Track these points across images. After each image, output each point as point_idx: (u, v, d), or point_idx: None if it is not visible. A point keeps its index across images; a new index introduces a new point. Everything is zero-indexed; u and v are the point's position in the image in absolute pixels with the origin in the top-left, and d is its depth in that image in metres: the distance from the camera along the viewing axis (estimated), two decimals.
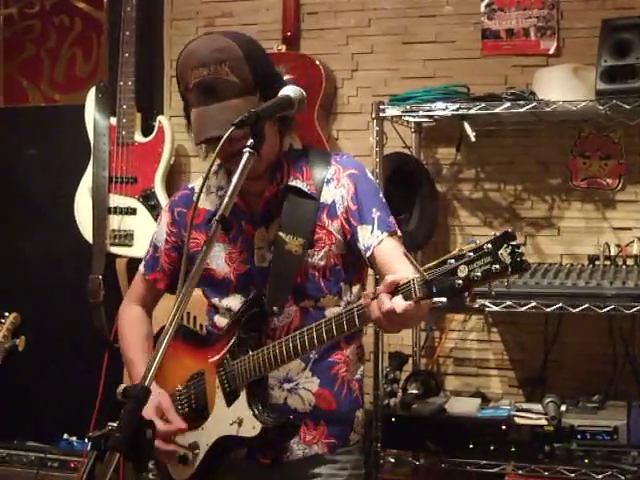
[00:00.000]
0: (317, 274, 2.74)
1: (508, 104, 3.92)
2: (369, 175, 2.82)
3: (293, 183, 2.75)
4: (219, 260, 2.81)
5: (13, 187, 5.29)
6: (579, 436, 3.77)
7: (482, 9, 4.47)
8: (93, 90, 4.87)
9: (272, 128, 2.70)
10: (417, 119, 4.38)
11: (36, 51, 5.27)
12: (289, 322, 2.73)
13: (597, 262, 4.06)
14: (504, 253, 2.13)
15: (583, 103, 3.85)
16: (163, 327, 2.14)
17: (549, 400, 3.89)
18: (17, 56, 5.31)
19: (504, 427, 3.86)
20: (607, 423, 3.78)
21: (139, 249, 4.68)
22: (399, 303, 2.27)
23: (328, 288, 2.76)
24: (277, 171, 2.77)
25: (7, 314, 4.48)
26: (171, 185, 4.87)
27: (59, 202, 4.96)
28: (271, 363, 2.63)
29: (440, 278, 2.21)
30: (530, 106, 3.89)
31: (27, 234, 5.23)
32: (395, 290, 2.30)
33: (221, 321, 2.85)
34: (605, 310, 3.67)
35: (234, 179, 2.30)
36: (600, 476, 3.71)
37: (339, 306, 2.75)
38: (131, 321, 3.04)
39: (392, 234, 2.71)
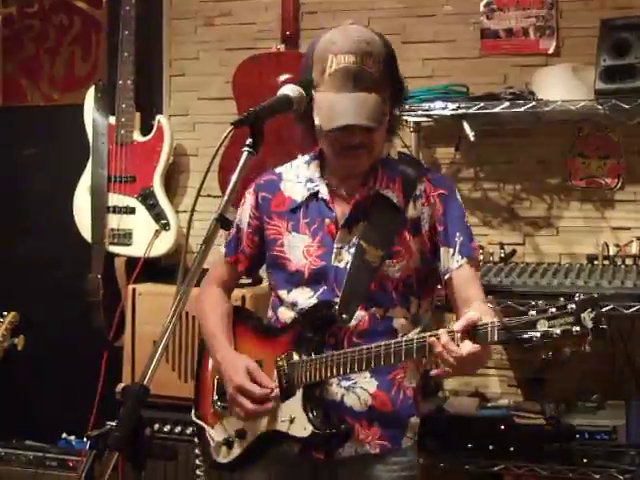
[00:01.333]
0: (391, 285, 2.76)
1: (507, 104, 3.92)
2: (458, 197, 2.85)
3: (384, 192, 2.78)
4: (297, 252, 2.82)
5: (12, 186, 5.29)
6: (578, 436, 3.77)
7: (481, 9, 4.47)
8: (92, 89, 4.87)
9: (384, 132, 2.75)
10: (416, 118, 4.37)
11: (35, 50, 5.27)
12: (355, 325, 2.73)
13: (596, 262, 4.05)
14: (587, 317, 2.18)
15: (582, 103, 3.85)
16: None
17: (548, 400, 3.89)
18: (16, 55, 5.31)
19: (503, 427, 3.86)
20: (606, 423, 3.78)
21: (138, 248, 4.70)
22: (467, 345, 2.37)
23: (399, 300, 2.78)
24: (371, 176, 2.79)
25: (6, 313, 4.48)
26: (170, 184, 4.88)
27: (58, 201, 4.96)
28: (332, 372, 2.65)
29: (519, 327, 2.25)
30: (529, 106, 3.89)
31: (26, 233, 5.23)
32: (472, 329, 2.36)
33: (284, 314, 2.85)
34: (604, 310, 3.66)
35: (233, 178, 2.31)
36: (599, 476, 3.70)
37: (406, 318, 2.79)
38: (210, 298, 3.04)
39: (471, 260, 2.77)
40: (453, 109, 4.00)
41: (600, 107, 3.83)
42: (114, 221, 4.77)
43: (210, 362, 3.01)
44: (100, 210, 4.77)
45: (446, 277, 2.75)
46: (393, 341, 2.56)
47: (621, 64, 3.80)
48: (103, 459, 2.08)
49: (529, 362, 4.35)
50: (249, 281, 4.18)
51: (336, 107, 2.62)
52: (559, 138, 4.35)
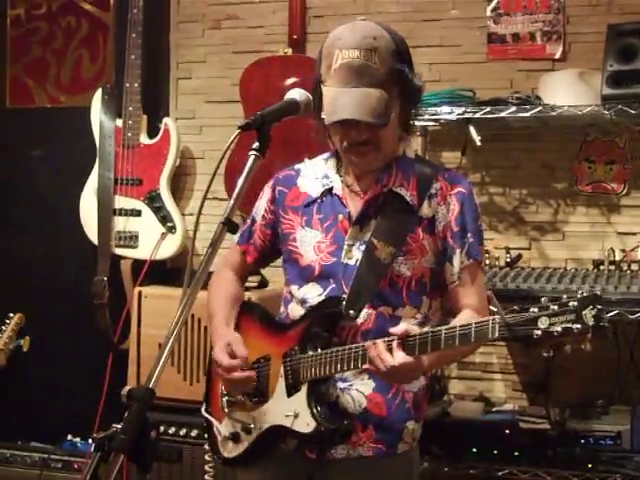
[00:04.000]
0: (401, 284, 2.75)
1: (514, 108, 3.93)
2: (475, 197, 2.84)
3: (398, 190, 2.77)
4: (309, 247, 2.82)
5: (19, 188, 5.30)
6: (583, 441, 3.77)
7: (488, 13, 4.47)
8: (99, 92, 4.88)
9: (396, 129, 2.75)
10: (423, 123, 4.37)
11: (42, 52, 5.28)
12: (361, 324, 2.72)
13: (602, 267, 4.05)
14: (588, 314, 2.17)
15: (589, 108, 3.85)
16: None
17: (553, 405, 3.89)
18: (23, 57, 5.31)
19: (508, 431, 3.86)
20: (611, 428, 3.79)
21: (144, 251, 4.70)
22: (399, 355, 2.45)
23: (409, 299, 2.76)
24: (385, 174, 2.79)
25: (12, 315, 4.48)
26: (176, 187, 4.88)
27: (64, 203, 4.96)
28: (337, 367, 2.64)
29: (520, 323, 2.26)
30: (536, 111, 3.90)
31: (32, 235, 5.23)
32: (404, 341, 2.47)
33: (295, 310, 2.85)
34: (610, 315, 3.67)
35: (239, 181, 2.31)
36: None
37: (416, 319, 2.77)
38: (220, 280, 3.05)
39: (477, 263, 2.78)
40: (459, 114, 4.01)
41: (607, 112, 3.83)
42: (120, 223, 4.77)
43: None
44: (106, 212, 4.77)
45: (455, 278, 2.77)
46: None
47: (628, 69, 3.80)
48: (109, 461, 2.08)
49: (534, 367, 4.35)
50: (255, 284, 4.18)
51: (338, 101, 2.62)
52: (565, 143, 4.35)
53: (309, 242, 2.82)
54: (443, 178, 2.80)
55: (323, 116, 2.69)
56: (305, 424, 2.68)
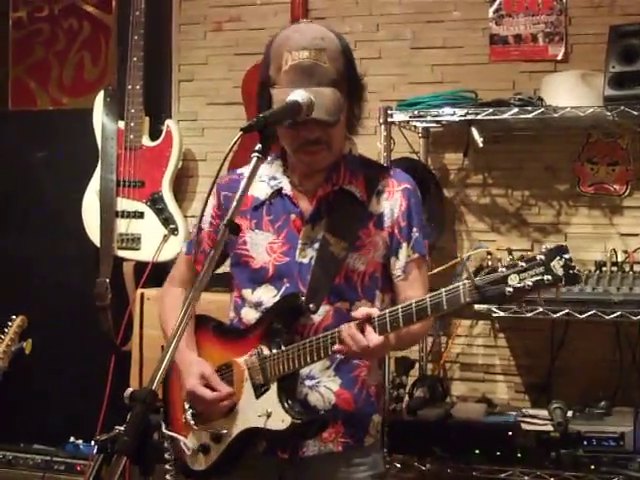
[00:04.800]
0: (356, 278, 2.77)
1: (516, 110, 3.93)
2: (418, 192, 2.89)
3: (348, 187, 2.80)
4: (260, 249, 2.82)
5: (20, 190, 5.30)
6: (585, 442, 3.76)
7: (490, 15, 4.48)
8: (101, 94, 4.89)
9: (343, 128, 2.77)
10: (425, 124, 4.39)
11: (45, 54, 5.29)
12: (320, 321, 2.74)
13: (604, 268, 4.04)
14: (557, 265, 2.23)
15: (591, 109, 3.85)
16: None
17: (555, 406, 3.88)
18: (26, 59, 5.32)
19: (510, 433, 3.85)
20: (613, 429, 3.77)
21: (146, 253, 4.70)
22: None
23: (364, 293, 2.79)
24: (334, 172, 2.80)
25: (14, 317, 4.49)
26: (178, 189, 4.89)
27: (67, 205, 4.96)
28: (305, 359, 2.65)
29: (491, 284, 2.29)
30: (538, 112, 3.90)
31: (35, 237, 5.23)
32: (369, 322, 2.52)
33: (249, 314, 2.84)
34: (612, 316, 3.67)
35: (242, 183, 2.32)
36: None
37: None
38: (171, 301, 3.02)
39: (422, 257, 2.82)
40: (461, 115, 4.01)
41: (609, 114, 3.83)
42: (123, 225, 4.77)
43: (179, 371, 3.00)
44: (109, 214, 4.77)
45: (400, 271, 2.80)
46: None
47: (630, 70, 3.80)
48: (111, 464, 2.08)
49: (537, 368, 4.35)
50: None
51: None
52: (568, 144, 4.35)
53: (260, 244, 2.82)
54: (389, 175, 2.86)
55: None
56: (280, 421, 2.67)
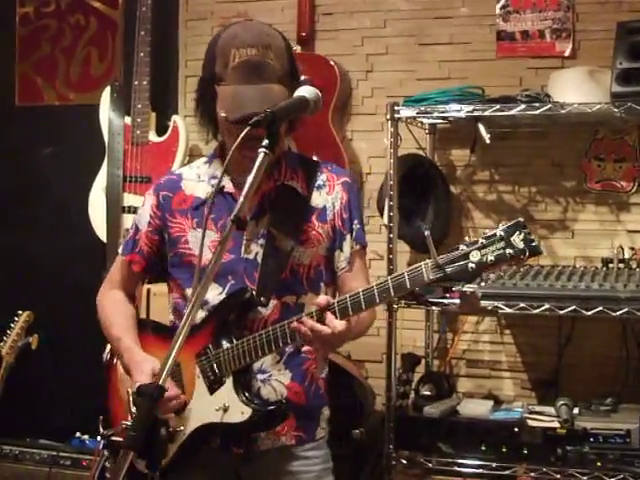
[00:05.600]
0: (302, 272, 2.80)
1: (523, 106, 3.92)
2: (356, 185, 2.99)
3: (289, 183, 2.82)
4: (204, 247, 2.80)
5: (27, 186, 5.31)
6: (592, 439, 3.76)
7: (497, 11, 4.47)
8: (108, 89, 4.88)
9: (285, 125, 2.74)
10: (432, 120, 4.38)
11: (51, 50, 5.29)
12: (269, 315, 2.75)
13: (611, 265, 4.04)
14: (517, 239, 2.30)
15: (598, 106, 3.84)
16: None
17: (562, 403, 3.88)
18: (32, 55, 5.33)
19: (516, 429, 3.86)
20: (620, 426, 3.77)
21: None
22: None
23: (310, 286, 2.82)
24: (275, 169, 2.82)
25: (20, 312, 4.51)
26: None
27: (73, 201, 4.97)
28: (258, 352, 2.65)
29: (453, 261, 2.34)
30: (545, 108, 3.89)
31: (41, 233, 5.24)
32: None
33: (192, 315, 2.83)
34: (619, 313, 3.66)
35: (249, 178, 2.31)
36: (612, 479, 3.70)
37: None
38: (112, 303, 3.03)
39: (363, 248, 2.89)
40: (468, 111, 4.00)
41: (616, 110, 3.82)
42: (129, 221, 4.75)
43: (119, 373, 2.98)
44: (115, 210, 4.77)
45: (345, 263, 2.84)
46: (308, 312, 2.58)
47: (637, 67, 3.79)
48: (118, 458, 2.08)
49: (543, 365, 4.35)
50: None
51: (241, 97, 2.64)
52: (575, 141, 4.35)
53: (203, 242, 2.81)
54: (327, 170, 2.89)
55: (222, 114, 2.69)
56: (239, 413, 2.67)
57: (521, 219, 2.33)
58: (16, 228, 5.30)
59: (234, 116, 2.63)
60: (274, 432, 2.76)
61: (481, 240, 2.32)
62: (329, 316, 2.50)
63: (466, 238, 2.36)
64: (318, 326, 2.50)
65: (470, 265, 2.31)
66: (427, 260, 2.39)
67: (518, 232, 2.29)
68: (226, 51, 2.70)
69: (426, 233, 2.41)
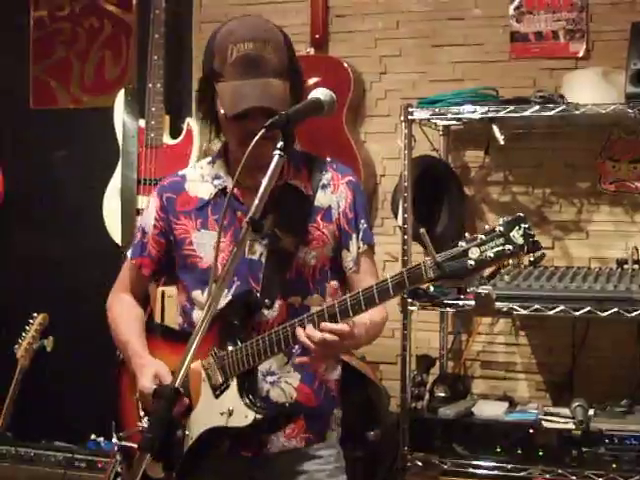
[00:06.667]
0: (307, 273, 2.77)
1: (537, 107, 3.91)
2: (361, 184, 2.92)
3: (293, 182, 2.79)
4: (207, 248, 2.80)
5: (42, 189, 5.32)
6: (607, 440, 3.75)
7: (511, 12, 4.47)
8: (122, 92, 4.89)
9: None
10: (445, 122, 4.38)
11: (65, 53, 5.31)
12: (274, 317, 2.73)
13: (626, 266, 4.04)
14: (516, 235, 2.25)
15: (612, 106, 3.83)
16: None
17: (577, 404, 3.87)
18: (46, 58, 5.34)
19: (531, 431, 3.86)
20: (635, 427, 3.77)
21: None
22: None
23: (315, 287, 2.79)
24: None
25: (36, 315, 4.51)
26: None
27: (88, 204, 4.97)
28: (262, 354, 2.62)
29: (451, 259, 2.30)
30: (559, 109, 3.88)
31: (56, 235, 5.26)
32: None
33: (200, 317, 2.83)
34: (634, 314, 3.66)
35: (264, 181, 2.32)
36: None
37: (321, 306, 2.76)
38: (121, 307, 3.02)
39: (371, 247, 2.85)
40: (483, 112, 4.00)
41: (630, 111, 3.82)
42: None
43: (130, 377, 2.94)
44: (130, 213, 4.78)
45: (353, 264, 2.81)
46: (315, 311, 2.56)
47: None
48: (134, 460, 2.09)
49: (558, 366, 4.34)
50: None
51: (240, 92, 2.61)
52: (589, 142, 4.34)
53: (207, 243, 2.80)
54: (332, 169, 2.85)
55: (222, 111, 2.68)
56: (243, 417, 2.64)
57: (521, 214, 2.29)
58: (31, 231, 5.32)
59: (233, 111, 2.62)
60: (284, 435, 2.75)
61: (480, 236, 2.28)
62: (322, 324, 2.48)
63: (466, 234, 2.32)
64: (315, 332, 2.48)
65: (469, 262, 2.27)
66: (425, 259, 2.37)
67: (517, 227, 2.25)
68: (223, 47, 2.66)
69: (421, 231, 2.41)
